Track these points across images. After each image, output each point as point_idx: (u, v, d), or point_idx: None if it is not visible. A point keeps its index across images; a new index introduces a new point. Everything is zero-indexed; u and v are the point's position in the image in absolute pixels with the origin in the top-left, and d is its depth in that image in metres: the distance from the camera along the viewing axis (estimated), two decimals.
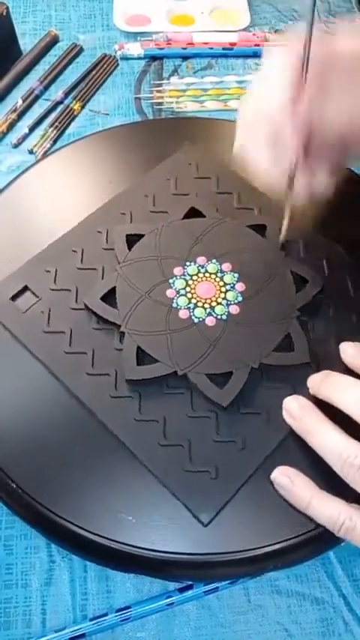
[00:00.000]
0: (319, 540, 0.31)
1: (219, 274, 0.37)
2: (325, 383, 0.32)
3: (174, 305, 0.36)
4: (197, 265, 0.38)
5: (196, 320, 0.36)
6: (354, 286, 0.38)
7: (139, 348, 0.34)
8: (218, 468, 0.32)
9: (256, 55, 0.57)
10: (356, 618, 0.34)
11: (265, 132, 0.32)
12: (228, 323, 0.35)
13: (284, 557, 0.31)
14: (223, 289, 0.37)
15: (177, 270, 0.37)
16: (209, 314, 0.36)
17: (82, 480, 0.32)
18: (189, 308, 0.36)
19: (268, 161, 0.32)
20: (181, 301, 0.36)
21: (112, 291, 0.36)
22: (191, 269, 0.37)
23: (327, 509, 0.29)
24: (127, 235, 0.39)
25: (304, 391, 0.33)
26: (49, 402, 0.34)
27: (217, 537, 0.30)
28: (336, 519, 0.29)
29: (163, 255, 0.38)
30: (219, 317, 0.36)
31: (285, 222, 0.37)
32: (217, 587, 0.33)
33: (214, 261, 0.38)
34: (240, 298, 0.36)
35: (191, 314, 0.36)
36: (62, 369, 0.34)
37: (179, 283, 0.37)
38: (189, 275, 0.37)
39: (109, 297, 0.36)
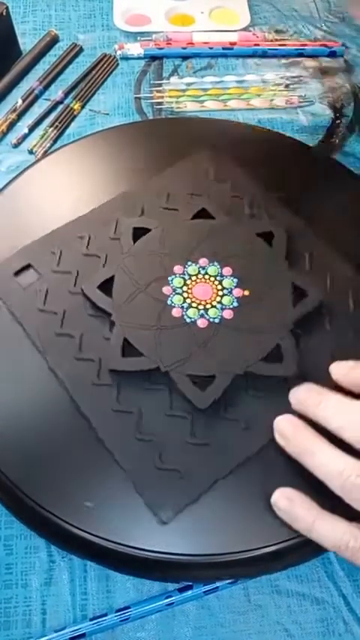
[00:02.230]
0: None
1: (218, 277, 0.37)
2: (312, 400, 0.31)
3: (168, 302, 0.36)
4: (198, 266, 0.38)
5: (187, 320, 0.36)
6: (355, 304, 0.37)
7: (126, 339, 0.35)
8: (187, 470, 0.31)
9: (256, 54, 0.57)
10: (356, 618, 0.34)
11: None
12: (219, 327, 0.35)
13: (284, 558, 0.31)
14: (220, 293, 0.37)
15: (177, 269, 0.37)
16: (202, 315, 0.36)
17: (78, 478, 0.32)
18: (182, 307, 0.36)
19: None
20: (176, 299, 0.36)
21: (111, 280, 0.37)
22: (191, 269, 0.37)
23: (331, 530, 0.28)
24: (135, 228, 0.39)
25: (288, 405, 0.32)
26: (49, 402, 0.34)
27: (216, 538, 0.30)
28: (339, 540, 0.28)
29: (166, 251, 0.38)
30: (211, 320, 0.36)
31: None
32: (217, 587, 0.33)
33: (215, 263, 0.38)
34: (235, 304, 0.36)
35: (184, 313, 0.36)
36: (50, 348, 0.35)
37: (177, 281, 0.37)
38: (188, 275, 0.37)
39: (107, 286, 0.36)
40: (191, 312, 0.36)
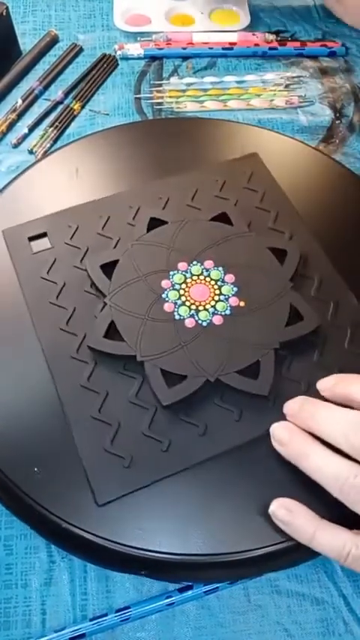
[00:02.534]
0: None
1: (219, 282, 0.37)
2: (306, 412, 0.31)
3: (163, 296, 0.36)
4: (202, 267, 0.38)
5: (177, 317, 0.36)
6: (351, 339, 0.36)
7: (113, 322, 0.35)
8: (134, 460, 0.32)
9: (256, 55, 0.57)
10: (356, 618, 0.34)
11: None
12: (206, 330, 0.35)
13: (284, 558, 0.31)
14: (216, 298, 0.36)
15: (181, 265, 0.38)
16: (191, 315, 0.36)
17: (78, 477, 0.32)
18: (175, 303, 0.36)
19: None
20: (172, 295, 0.36)
21: (116, 263, 0.37)
22: (195, 269, 0.38)
23: (332, 540, 0.28)
24: (152, 218, 0.39)
25: (250, 422, 0.33)
26: (49, 401, 0.34)
27: (217, 538, 0.30)
28: (341, 549, 0.28)
29: (174, 246, 0.38)
30: (199, 322, 0.35)
31: None
32: (217, 587, 0.33)
33: (219, 268, 0.38)
34: (228, 312, 0.36)
35: (175, 310, 0.36)
36: (41, 316, 0.36)
37: (178, 278, 0.37)
38: (191, 273, 0.37)
39: (111, 268, 0.37)
40: (183, 310, 0.36)
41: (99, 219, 0.40)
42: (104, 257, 0.38)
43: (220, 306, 0.36)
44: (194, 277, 0.37)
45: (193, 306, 0.36)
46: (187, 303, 0.36)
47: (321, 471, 0.29)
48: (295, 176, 0.44)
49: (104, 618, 0.33)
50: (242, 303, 0.36)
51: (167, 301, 0.36)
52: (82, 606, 0.33)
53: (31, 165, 0.44)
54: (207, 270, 0.38)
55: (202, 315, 0.36)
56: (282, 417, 0.32)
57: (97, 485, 0.31)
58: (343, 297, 0.38)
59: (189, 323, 0.35)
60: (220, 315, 0.36)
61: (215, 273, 0.37)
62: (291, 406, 0.32)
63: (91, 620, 0.33)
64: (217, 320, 0.36)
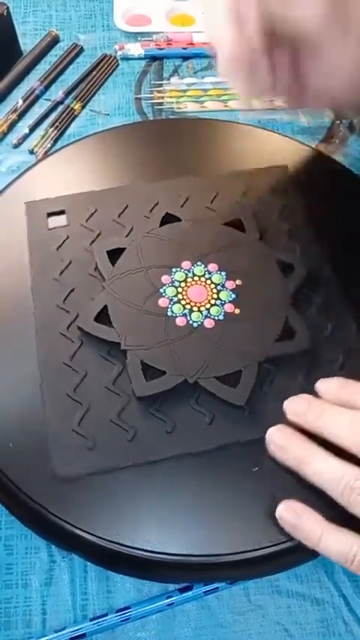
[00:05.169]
0: None
1: (218, 287, 0.37)
2: (313, 412, 0.31)
3: (160, 290, 0.36)
4: (205, 269, 0.38)
5: (169, 313, 0.36)
6: (342, 366, 0.35)
7: (106, 307, 0.35)
8: (97, 444, 0.32)
9: None
10: (356, 619, 0.34)
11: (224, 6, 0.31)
12: (195, 331, 0.35)
13: (284, 559, 0.31)
14: (212, 302, 0.36)
15: (185, 264, 0.38)
16: (184, 314, 0.36)
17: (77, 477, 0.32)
18: (171, 300, 0.36)
19: (229, 40, 0.31)
20: (169, 291, 0.37)
21: (122, 251, 0.38)
22: (198, 269, 0.38)
23: (338, 543, 0.28)
24: (167, 214, 0.40)
25: (221, 429, 0.33)
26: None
27: (216, 538, 0.30)
28: (347, 553, 0.27)
29: (183, 245, 0.39)
30: (191, 322, 0.36)
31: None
32: (217, 588, 0.33)
33: (222, 273, 0.38)
34: (221, 317, 0.36)
35: (169, 306, 0.36)
36: (41, 290, 0.37)
37: (179, 275, 0.37)
38: (192, 273, 0.38)
39: (117, 255, 0.38)
40: (177, 307, 0.36)
41: (117, 206, 0.41)
42: (112, 243, 0.38)
43: (214, 310, 0.36)
44: (195, 278, 0.37)
45: (188, 306, 0.36)
46: (183, 302, 0.36)
47: (322, 475, 0.29)
48: (295, 176, 0.44)
49: (104, 618, 0.33)
50: (237, 311, 0.36)
51: (163, 296, 0.36)
52: (82, 606, 0.33)
53: (31, 165, 0.44)
54: (209, 273, 0.38)
55: (195, 315, 0.36)
56: (255, 429, 0.32)
57: (58, 459, 0.32)
58: (342, 321, 0.37)
59: (180, 321, 0.36)
60: (213, 319, 0.36)
61: (217, 277, 0.37)
62: (297, 404, 0.32)
63: (91, 620, 0.33)
64: (209, 323, 0.36)
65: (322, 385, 0.32)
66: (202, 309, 0.36)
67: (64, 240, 0.39)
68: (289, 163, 0.44)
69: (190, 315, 0.36)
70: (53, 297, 0.37)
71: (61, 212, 0.40)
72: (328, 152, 0.50)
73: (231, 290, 0.37)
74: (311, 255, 0.39)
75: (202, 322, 0.36)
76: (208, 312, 0.36)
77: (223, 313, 0.36)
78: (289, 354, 0.35)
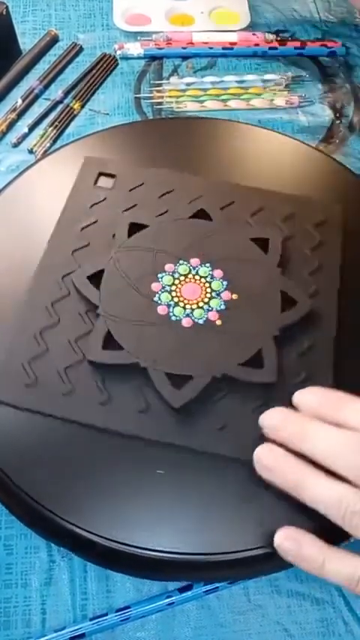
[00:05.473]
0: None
1: (208, 279, 0.37)
2: (294, 430, 0.29)
3: (155, 299, 0.36)
4: (189, 266, 0.37)
5: (172, 318, 0.36)
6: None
7: (102, 270, 0.37)
8: (37, 385, 0.34)
9: (256, 54, 0.57)
10: (356, 618, 0.34)
11: None
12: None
13: (283, 559, 0.31)
14: (208, 295, 0.36)
15: (168, 267, 0.38)
16: (187, 315, 0.36)
17: (78, 477, 0.32)
18: (169, 305, 0.36)
19: None
20: (164, 297, 0.36)
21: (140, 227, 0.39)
22: (182, 268, 0.37)
23: (342, 566, 0.27)
24: (201, 210, 0.40)
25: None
26: None
27: (216, 538, 0.30)
28: (351, 576, 0.27)
29: (184, 243, 0.39)
30: (196, 320, 0.35)
31: None
32: (217, 587, 0.33)
33: (206, 265, 0.37)
34: (222, 307, 0.36)
35: (170, 311, 0.36)
36: (58, 238, 0.39)
37: (167, 279, 0.37)
38: (178, 274, 0.37)
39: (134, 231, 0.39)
40: (177, 310, 0.36)
41: (164, 186, 0.41)
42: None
43: (213, 302, 0.36)
44: (183, 277, 0.37)
45: (188, 306, 0.36)
46: (181, 304, 0.36)
47: (321, 499, 0.28)
48: (295, 176, 0.44)
49: (104, 618, 0.33)
50: (235, 296, 0.36)
51: (160, 304, 0.36)
52: (82, 606, 0.33)
53: (30, 164, 0.44)
54: (194, 268, 0.38)
55: (197, 313, 0.36)
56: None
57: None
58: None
59: (185, 323, 0.35)
60: (215, 311, 0.36)
61: (203, 270, 0.37)
62: (272, 421, 0.30)
63: (91, 619, 0.33)
64: (213, 316, 0.36)
65: (300, 401, 0.30)
66: (201, 304, 0.36)
67: (101, 200, 0.41)
68: (289, 163, 0.44)
69: (192, 313, 0.36)
70: (66, 245, 0.38)
71: (112, 175, 0.42)
72: (328, 152, 0.50)
73: (220, 278, 0.37)
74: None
75: (207, 317, 0.36)
76: (209, 306, 0.36)
77: (222, 302, 0.36)
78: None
